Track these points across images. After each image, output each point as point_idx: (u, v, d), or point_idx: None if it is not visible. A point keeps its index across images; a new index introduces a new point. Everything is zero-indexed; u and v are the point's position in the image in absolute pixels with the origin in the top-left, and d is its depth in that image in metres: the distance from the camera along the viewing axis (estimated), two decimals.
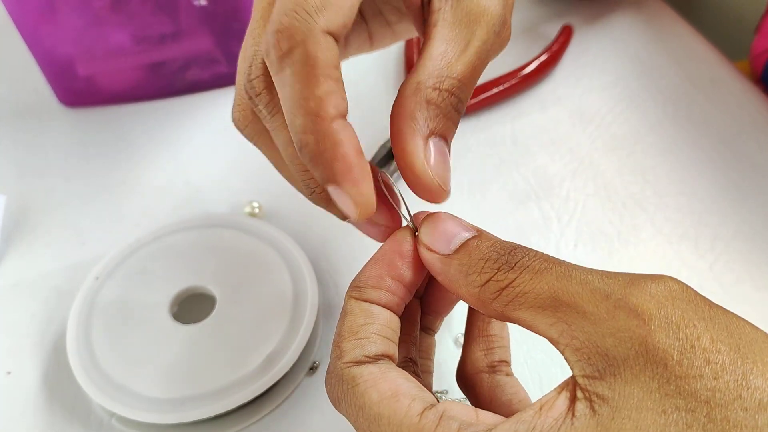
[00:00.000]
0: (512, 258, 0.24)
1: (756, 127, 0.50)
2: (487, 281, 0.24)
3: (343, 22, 0.24)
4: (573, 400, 0.21)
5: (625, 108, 0.52)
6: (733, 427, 0.18)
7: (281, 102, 0.25)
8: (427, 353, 0.31)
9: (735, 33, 0.65)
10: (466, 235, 0.25)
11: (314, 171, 0.25)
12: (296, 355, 0.36)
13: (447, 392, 0.36)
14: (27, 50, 0.50)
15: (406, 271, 0.26)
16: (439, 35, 0.26)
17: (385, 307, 0.26)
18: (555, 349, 0.23)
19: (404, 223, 0.28)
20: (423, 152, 0.25)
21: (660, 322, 0.20)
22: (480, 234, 0.26)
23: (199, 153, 0.50)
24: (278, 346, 0.36)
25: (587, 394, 0.21)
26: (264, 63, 0.27)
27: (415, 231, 0.27)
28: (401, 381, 0.24)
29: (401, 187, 0.28)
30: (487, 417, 0.23)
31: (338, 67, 0.24)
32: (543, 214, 0.45)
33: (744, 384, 0.19)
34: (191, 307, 0.39)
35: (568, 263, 0.23)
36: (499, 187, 0.47)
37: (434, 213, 0.27)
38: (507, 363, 0.29)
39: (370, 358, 0.25)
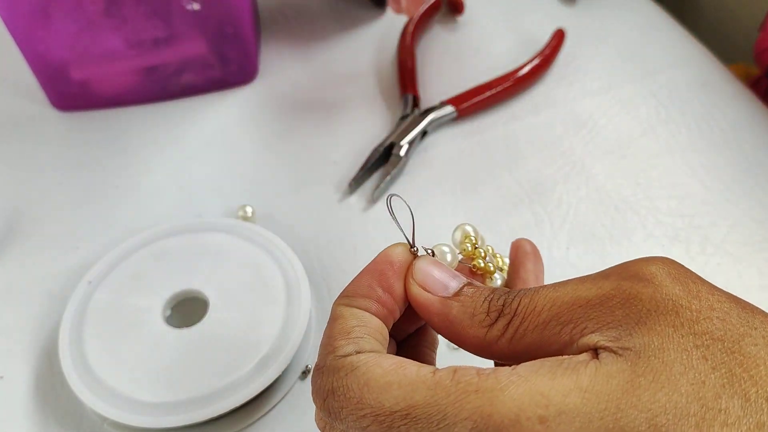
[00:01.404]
0: (512, 294, 0.24)
1: (748, 130, 0.50)
2: (496, 319, 0.24)
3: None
4: (594, 355, 0.22)
5: (617, 112, 0.52)
6: (748, 358, 0.20)
7: None
8: (432, 345, 0.31)
9: (730, 36, 0.66)
10: (461, 281, 0.26)
11: None
12: (288, 359, 0.36)
13: None
14: (20, 55, 0.50)
15: (397, 283, 0.26)
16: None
17: (374, 315, 0.26)
18: None
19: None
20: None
21: (663, 278, 0.22)
22: (471, 282, 0.26)
23: (193, 157, 0.50)
24: (270, 350, 0.36)
25: (609, 350, 0.21)
26: None
27: (411, 247, 0.26)
28: (403, 359, 0.23)
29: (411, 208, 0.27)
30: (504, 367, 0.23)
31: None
32: (536, 217, 0.45)
33: (749, 325, 0.21)
34: (184, 311, 0.40)
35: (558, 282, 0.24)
36: (492, 191, 0.47)
37: (425, 257, 0.26)
38: None
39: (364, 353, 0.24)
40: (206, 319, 0.38)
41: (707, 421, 0.19)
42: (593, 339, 0.22)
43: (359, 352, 0.24)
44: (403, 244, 0.27)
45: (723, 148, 0.49)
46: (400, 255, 0.26)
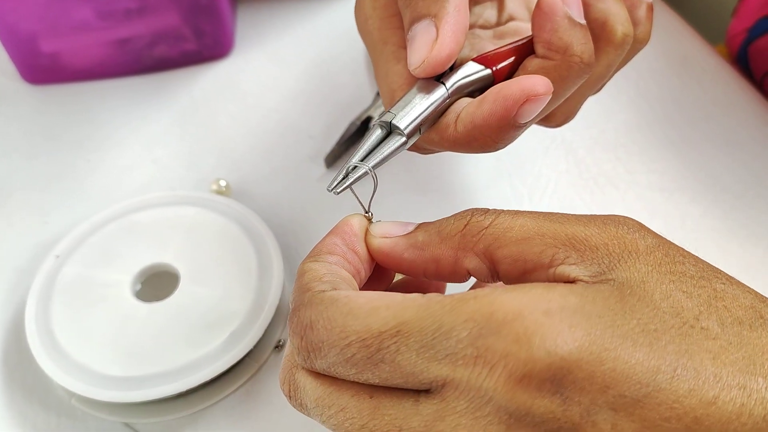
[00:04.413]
0: (480, 210, 0.25)
1: (729, 105, 0.50)
2: (467, 224, 0.24)
3: None
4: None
5: None
6: (718, 292, 0.22)
7: None
8: None
9: (714, 17, 0.65)
10: (416, 224, 0.26)
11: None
12: (260, 332, 0.36)
13: None
14: None
15: (359, 244, 0.26)
16: None
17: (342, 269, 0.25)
18: None
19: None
20: None
21: (641, 228, 0.24)
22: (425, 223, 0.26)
23: (167, 131, 0.49)
24: (242, 324, 0.36)
25: (594, 282, 0.22)
26: None
27: (366, 212, 0.27)
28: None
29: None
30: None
31: None
32: (515, 191, 0.45)
33: (713, 270, 0.23)
34: (154, 285, 0.39)
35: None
36: (471, 165, 0.47)
37: (380, 221, 0.27)
38: None
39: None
40: (177, 293, 0.37)
41: (693, 335, 0.21)
42: (574, 271, 0.22)
43: (336, 290, 0.23)
44: (360, 214, 0.27)
45: (703, 123, 0.49)
46: (358, 220, 0.27)
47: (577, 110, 0.34)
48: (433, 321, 0.21)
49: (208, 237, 0.40)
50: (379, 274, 0.28)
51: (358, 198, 0.27)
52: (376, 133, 0.28)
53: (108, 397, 0.34)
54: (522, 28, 0.34)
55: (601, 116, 0.49)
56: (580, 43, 0.28)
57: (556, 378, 0.20)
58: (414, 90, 0.28)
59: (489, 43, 0.33)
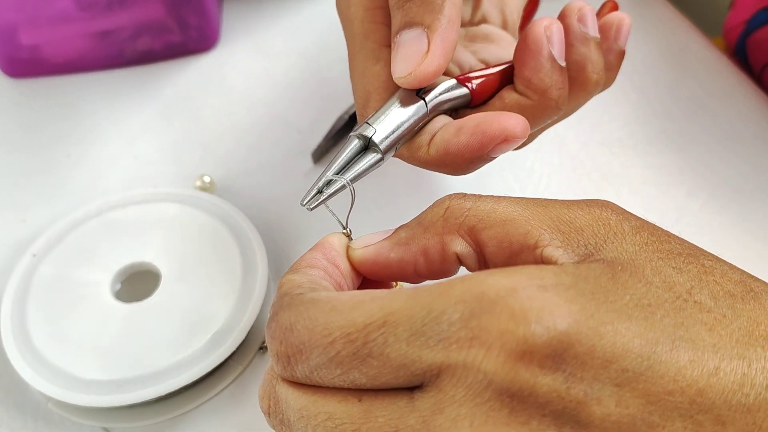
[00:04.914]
0: (458, 194, 0.24)
1: (726, 99, 0.49)
2: (447, 208, 0.24)
3: None
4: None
5: None
6: (707, 267, 0.22)
7: None
8: None
9: (711, 9, 0.64)
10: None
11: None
12: (244, 333, 0.34)
13: None
14: None
15: (340, 259, 0.25)
16: None
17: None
18: None
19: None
20: None
21: (624, 211, 0.24)
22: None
23: (150, 126, 0.48)
24: (224, 324, 0.34)
25: (583, 261, 0.22)
26: None
27: (344, 228, 0.27)
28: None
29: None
30: None
31: None
32: (507, 186, 0.44)
33: (699, 249, 0.23)
34: (134, 284, 0.37)
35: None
36: None
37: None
38: None
39: None
40: (158, 293, 0.36)
41: (687, 309, 0.20)
42: (561, 256, 0.22)
43: (315, 290, 0.22)
44: (338, 232, 0.27)
45: (700, 116, 0.48)
46: (337, 238, 0.26)
47: (534, 138, 0.35)
48: (422, 307, 0.19)
49: (191, 235, 0.38)
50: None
51: (334, 214, 0.27)
52: (352, 145, 0.27)
53: (86, 402, 0.32)
54: (493, 34, 0.35)
55: (596, 110, 0.48)
56: (558, 88, 0.29)
57: (557, 353, 0.18)
58: (395, 103, 0.28)
59: (460, 45, 0.33)
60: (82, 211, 0.40)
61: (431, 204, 0.25)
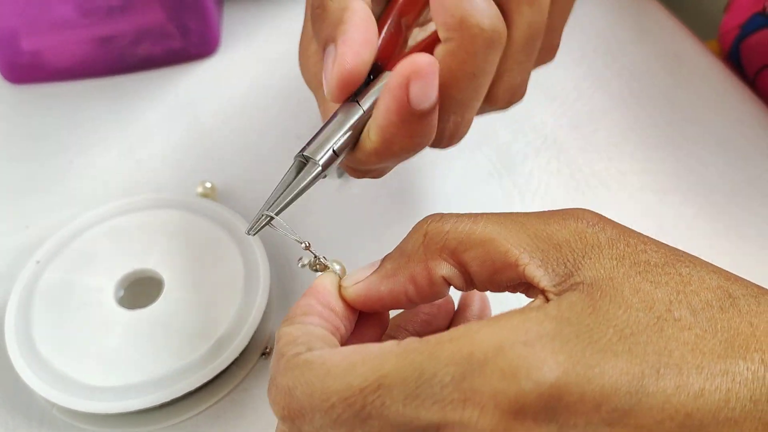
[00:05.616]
0: (434, 216, 0.25)
1: (721, 104, 0.49)
2: (425, 234, 0.24)
3: None
4: (546, 300, 0.22)
5: (589, 85, 0.51)
6: (684, 277, 0.22)
7: None
8: None
9: (706, 13, 0.65)
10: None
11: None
12: (247, 339, 0.35)
13: None
14: None
15: (334, 300, 0.26)
16: None
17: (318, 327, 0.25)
18: None
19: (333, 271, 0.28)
20: None
21: (599, 221, 0.24)
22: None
23: (151, 132, 0.48)
24: (227, 331, 0.35)
25: (563, 289, 0.22)
26: None
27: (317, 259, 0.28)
28: (361, 344, 0.23)
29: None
30: None
31: None
32: (505, 192, 0.44)
33: (676, 254, 0.24)
34: (137, 291, 0.38)
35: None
36: (461, 165, 0.46)
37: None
38: None
39: None
40: (161, 300, 0.36)
41: (667, 328, 0.21)
42: (542, 280, 0.22)
43: (311, 350, 0.23)
44: (330, 272, 0.28)
45: (696, 121, 0.48)
46: (329, 279, 0.27)
47: (524, 87, 0.32)
48: (414, 369, 0.20)
49: (193, 241, 0.39)
50: (371, 322, 0.27)
51: (288, 234, 0.28)
52: (291, 170, 0.28)
53: (90, 408, 0.33)
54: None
55: (593, 116, 0.49)
56: (477, 12, 0.25)
57: (549, 406, 0.19)
58: (333, 116, 0.28)
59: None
60: (86, 217, 0.40)
61: (410, 230, 0.26)
